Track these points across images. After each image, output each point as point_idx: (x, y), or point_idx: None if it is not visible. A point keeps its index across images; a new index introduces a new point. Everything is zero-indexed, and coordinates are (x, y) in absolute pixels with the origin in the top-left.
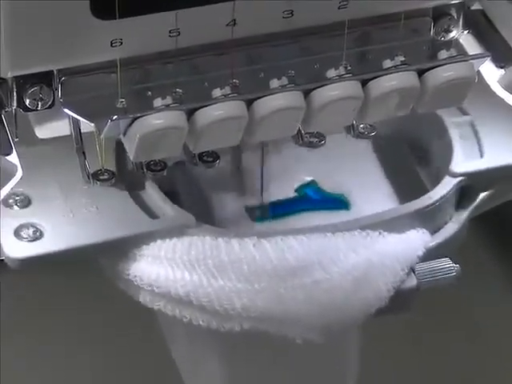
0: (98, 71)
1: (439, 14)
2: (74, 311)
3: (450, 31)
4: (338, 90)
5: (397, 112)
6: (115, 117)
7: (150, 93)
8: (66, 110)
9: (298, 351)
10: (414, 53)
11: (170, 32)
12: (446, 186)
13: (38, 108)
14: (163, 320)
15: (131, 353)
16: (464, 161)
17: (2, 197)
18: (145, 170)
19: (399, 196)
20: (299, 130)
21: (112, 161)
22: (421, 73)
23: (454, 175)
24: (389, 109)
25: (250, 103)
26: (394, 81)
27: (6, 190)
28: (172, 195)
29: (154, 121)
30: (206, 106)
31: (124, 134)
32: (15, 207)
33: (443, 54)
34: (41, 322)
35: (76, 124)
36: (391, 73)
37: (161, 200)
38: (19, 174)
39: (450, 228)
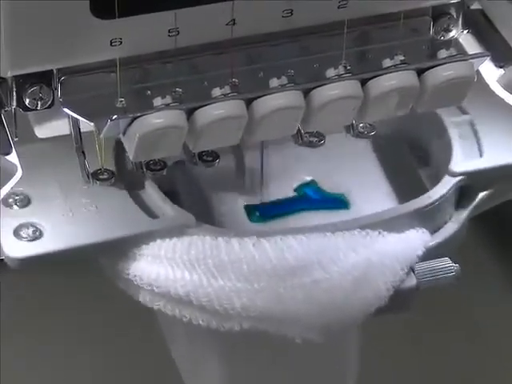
0: (97, 71)
1: (439, 14)
2: (73, 311)
3: (450, 30)
4: (337, 89)
5: (396, 111)
6: (115, 116)
7: (149, 92)
8: (66, 110)
9: (298, 351)
10: (413, 52)
11: (169, 31)
12: (446, 185)
13: (38, 107)
14: (163, 320)
15: (131, 353)
16: (463, 160)
17: (2, 196)
18: (144, 169)
19: (399, 195)
20: (299, 130)
21: (111, 160)
22: (420, 72)
23: (454, 174)
24: (388, 108)
25: (249, 102)
26: (393, 80)
27: (6, 189)
28: (172, 195)
29: (154, 120)
30: (206, 105)
31: (124, 134)
32: (15, 207)
33: (443, 54)
34: (41, 321)
35: (75, 123)
36: (391, 72)
37: (161, 200)
38: (19, 173)
39: (450, 227)
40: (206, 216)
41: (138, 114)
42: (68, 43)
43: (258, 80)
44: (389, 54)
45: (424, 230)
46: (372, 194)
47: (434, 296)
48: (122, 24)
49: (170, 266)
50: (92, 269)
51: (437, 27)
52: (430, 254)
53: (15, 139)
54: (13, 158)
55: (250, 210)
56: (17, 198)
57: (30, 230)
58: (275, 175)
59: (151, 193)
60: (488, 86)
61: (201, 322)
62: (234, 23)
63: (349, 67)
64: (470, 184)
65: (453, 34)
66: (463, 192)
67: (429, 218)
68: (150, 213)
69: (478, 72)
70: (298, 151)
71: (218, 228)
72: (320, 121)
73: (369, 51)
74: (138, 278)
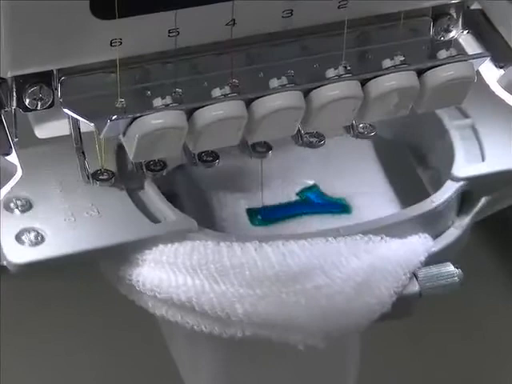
0: (97, 71)
1: (439, 14)
2: (74, 315)
3: (450, 31)
4: (337, 89)
5: (396, 112)
6: (115, 117)
7: (149, 92)
8: (66, 110)
9: (298, 354)
10: (413, 52)
11: (169, 32)
12: (448, 190)
13: (38, 108)
14: (163, 322)
15: (132, 355)
16: (466, 165)
17: (2, 196)
18: (144, 169)
19: (400, 200)
20: (299, 130)
21: (113, 161)
22: (420, 72)
23: (456, 179)
24: (388, 108)
25: (249, 103)
26: (393, 81)
27: (6, 189)
28: (173, 199)
29: (154, 121)
30: (206, 105)
31: (123, 134)
32: (16, 211)
33: (443, 54)
34: (41, 326)
35: (75, 124)
36: (391, 72)
37: (162, 204)
38: (19, 173)
39: (452, 233)
40: (207, 220)
41: (138, 115)
42: (68, 43)
43: (257, 80)
44: (389, 55)
45: (426, 235)
46: (374, 198)
47: (436, 301)
48: (121, 24)
49: (172, 272)
50: (93, 274)
51: (437, 27)
52: (433, 259)
53: (15, 139)
54: (13, 158)
55: (252, 213)
56: (18, 202)
57: (32, 235)
58: (277, 179)
59: (153, 197)
60: (488, 86)
61: (203, 328)
62: (234, 23)
63: (349, 67)
64: (472, 189)
65: (453, 34)
66: (465, 197)
67: (431, 223)
68: (152, 217)
69: (478, 72)
70: (301, 155)
71: (220, 233)
72: (320, 121)
73: (369, 51)
74: (140, 283)
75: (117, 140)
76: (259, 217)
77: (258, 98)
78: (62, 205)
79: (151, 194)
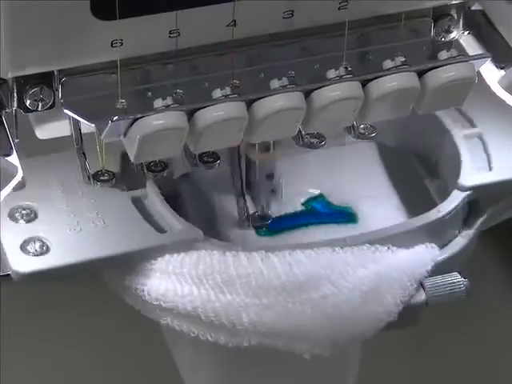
0: (98, 72)
1: (439, 15)
2: (77, 322)
3: (451, 32)
4: (338, 90)
5: (397, 113)
6: (115, 117)
7: (150, 93)
8: (67, 111)
9: (302, 363)
10: (414, 53)
11: (170, 33)
12: (455, 199)
13: (39, 109)
14: (168, 330)
15: (132, 356)
16: (472, 174)
17: (2, 197)
18: (145, 170)
19: (407, 208)
20: (299, 131)
21: (115, 163)
22: (421, 73)
23: (463, 189)
24: (389, 109)
25: (250, 104)
26: (394, 81)
27: (7, 191)
28: (178, 208)
29: (155, 121)
30: (207, 106)
31: (124, 135)
32: (21, 221)
33: (443, 55)
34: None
35: (76, 125)
36: (391, 73)
37: (168, 213)
38: (19, 174)
39: (459, 242)
40: (212, 230)
41: (139, 116)
42: (69, 44)
43: (258, 81)
44: (389, 56)
45: (433, 244)
46: (380, 207)
47: (442, 310)
48: (122, 25)
49: (178, 281)
50: (98, 283)
51: (437, 28)
52: (439, 268)
53: (16, 140)
54: (13, 159)
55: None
56: (23, 212)
57: (37, 245)
58: (283, 189)
59: (158, 206)
60: (489, 87)
61: (208, 337)
62: (234, 24)
63: (350, 68)
64: (479, 198)
65: (453, 35)
66: (472, 206)
67: (438, 232)
68: (158, 227)
69: (478, 73)
70: (307, 164)
71: (226, 243)
72: (321, 122)
73: (369, 52)
74: (145, 292)
75: (121, 143)
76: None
77: (259, 98)
78: (67, 214)
79: (156, 202)
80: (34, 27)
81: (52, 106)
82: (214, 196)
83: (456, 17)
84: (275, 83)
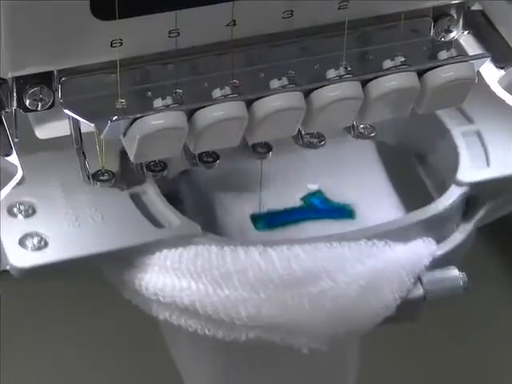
0: (97, 72)
1: (439, 15)
2: (76, 318)
3: (450, 31)
4: (338, 90)
5: (397, 112)
6: (115, 117)
7: (150, 93)
8: (66, 111)
9: (299, 356)
10: (414, 53)
11: (169, 32)
12: (453, 195)
13: (38, 108)
14: (166, 326)
15: (132, 356)
16: (470, 170)
17: (2, 197)
18: (145, 170)
19: (405, 205)
20: (299, 131)
21: (113, 161)
22: (421, 73)
23: (461, 184)
24: (389, 109)
25: (250, 103)
26: (393, 81)
27: (6, 190)
28: (176, 203)
29: (154, 121)
30: (206, 106)
31: (124, 135)
32: (20, 216)
33: (443, 55)
34: (42, 329)
35: (76, 124)
36: (391, 73)
37: (166, 209)
38: (19, 174)
39: (457, 237)
40: (211, 225)
41: (139, 115)
42: (68, 44)
43: (258, 81)
44: (389, 55)
45: (431, 239)
46: (378, 203)
47: (440, 305)
48: (122, 25)
49: (176, 276)
50: (97, 278)
51: (437, 28)
52: (437, 263)
53: (15, 140)
54: (13, 159)
55: (256, 218)
56: (22, 207)
57: (35, 240)
58: (281, 184)
59: (157, 202)
60: (489, 87)
61: (207, 331)
62: (234, 24)
63: (349, 68)
64: (477, 193)
65: (453, 34)
66: (470, 202)
67: (436, 227)
68: (156, 222)
69: (478, 73)
70: (305, 160)
71: (224, 237)
72: (321, 122)
73: (369, 52)
74: (143, 287)
75: (121, 142)
76: (263, 222)
77: (259, 98)
78: (66, 210)
79: (155, 198)
80: (33, 27)
81: (52, 106)
82: (213, 192)
83: (456, 17)
84: (275, 83)
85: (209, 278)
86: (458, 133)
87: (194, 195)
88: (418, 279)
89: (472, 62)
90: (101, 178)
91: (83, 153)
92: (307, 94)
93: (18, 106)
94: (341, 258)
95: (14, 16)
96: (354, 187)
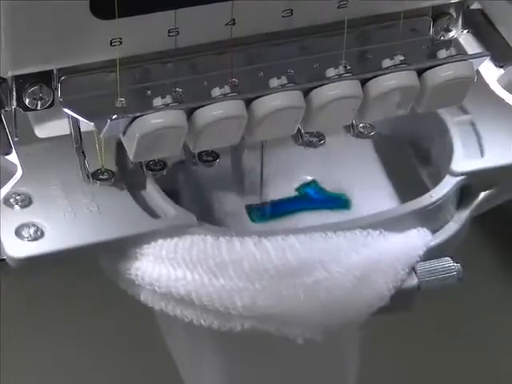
0: (97, 70)
1: (438, 14)
2: (73, 311)
3: (450, 30)
4: (337, 89)
5: (396, 111)
6: (115, 116)
7: (149, 92)
8: (66, 110)
9: (298, 349)
10: (413, 52)
11: (169, 31)
12: (447, 185)
13: (38, 107)
14: (162, 319)
15: (131, 352)
16: (465, 160)
17: (3, 196)
18: (145, 169)
19: (400, 195)
20: (299, 130)
21: (112, 160)
22: (420, 72)
23: (455, 174)
24: (388, 108)
25: (249, 102)
26: (393, 80)
27: (6, 189)
28: (173, 195)
29: (154, 120)
30: (206, 105)
31: (123, 134)
32: (16, 207)
33: (442, 54)
34: (40, 320)
35: (75, 123)
36: (391, 72)
37: (162, 199)
38: (19, 173)
39: (451, 227)
40: (207, 216)
41: (138, 114)
42: (68, 43)
43: (257, 80)
44: (389, 54)
45: (425, 229)
46: (373, 193)
47: (434, 296)
48: (121, 24)
49: (172, 266)
50: (93, 269)
51: (437, 27)
52: (432, 253)
53: (15, 139)
54: (13, 157)
55: (252, 209)
56: (18, 197)
57: (32, 230)
58: (276, 175)
59: (153, 193)
60: (488, 85)
61: (202, 322)
62: (233, 23)
63: (349, 67)
64: (471, 184)
65: (453, 33)
66: (464, 192)
67: (430, 217)
68: (152, 213)
69: (477, 72)
70: (300, 151)
71: (220, 227)
72: (320, 121)
73: (369, 51)
74: (139, 277)
75: (116, 138)
76: (259, 213)
77: (258, 97)
78: (62, 200)
79: (151, 189)
80: (33, 26)
81: (51, 105)
82: (209, 183)
83: (455, 16)
84: (274, 82)
85: (204, 267)
86: (453, 123)
87: (190, 186)
88: (413, 269)
89: (471, 60)
90: (100, 177)
91: (83, 152)
92: (306, 92)
93: (18, 104)
94: (335, 248)
95: (14, 16)
96: (349, 177)
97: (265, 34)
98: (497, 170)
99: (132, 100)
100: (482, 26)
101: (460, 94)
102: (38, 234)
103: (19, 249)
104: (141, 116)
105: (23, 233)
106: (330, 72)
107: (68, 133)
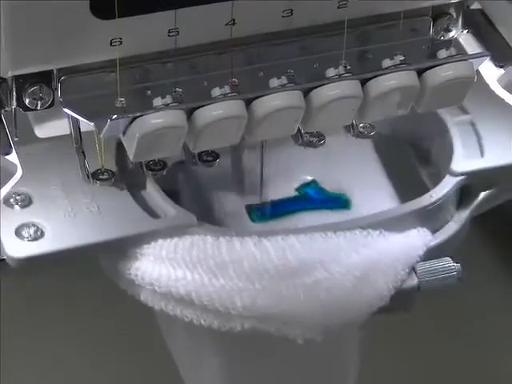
0: (97, 70)
1: (438, 14)
2: (73, 311)
3: (450, 30)
4: (337, 89)
5: (396, 111)
6: (115, 116)
7: (149, 92)
8: (66, 110)
9: (298, 350)
10: (413, 52)
11: (169, 31)
12: (447, 185)
13: (38, 107)
14: (162, 319)
15: (131, 352)
16: (465, 160)
17: (3, 196)
18: (145, 169)
19: (400, 195)
20: (299, 130)
21: (112, 160)
22: (420, 72)
23: (455, 174)
24: (388, 108)
25: (249, 102)
26: (393, 80)
27: (6, 189)
28: (173, 195)
29: (154, 120)
30: (206, 105)
31: (123, 134)
32: (16, 207)
33: (442, 54)
34: (40, 320)
35: (75, 123)
36: (391, 72)
37: (162, 199)
38: (19, 173)
39: (451, 227)
40: (207, 216)
41: (138, 114)
42: (68, 43)
43: (257, 80)
44: (389, 54)
45: (425, 229)
46: (373, 193)
47: (434, 296)
48: (121, 24)
49: (172, 266)
50: (93, 269)
51: (437, 27)
52: (432, 253)
53: (15, 139)
54: (13, 157)
55: (252, 209)
56: (18, 197)
57: (32, 230)
58: (276, 175)
59: (153, 193)
60: (488, 85)
61: (202, 322)
62: (233, 23)
63: (349, 67)
64: (471, 184)
65: (453, 33)
66: (464, 192)
67: (430, 217)
68: (152, 213)
69: (477, 72)
70: (300, 151)
71: (220, 227)
72: (320, 121)
73: (369, 51)
74: (139, 277)
75: (116, 138)
76: (259, 213)
77: (258, 97)
78: (62, 200)
79: (151, 189)
80: (33, 26)
81: (51, 105)
82: (209, 183)
83: (455, 15)
84: (274, 82)
85: (204, 267)
86: (453, 123)
87: (190, 186)
88: (413, 269)
89: (471, 60)
90: (100, 177)
91: (83, 152)
92: (306, 92)
93: (18, 104)
94: (335, 248)
95: (14, 16)
96: (349, 177)
97: (265, 34)
98: (497, 170)
99: (132, 100)
100: (482, 26)
101: (460, 94)
102: (38, 234)
103: (19, 249)
104: (141, 116)
105: (23, 233)
106: (330, 72)
107: (68, 133)
